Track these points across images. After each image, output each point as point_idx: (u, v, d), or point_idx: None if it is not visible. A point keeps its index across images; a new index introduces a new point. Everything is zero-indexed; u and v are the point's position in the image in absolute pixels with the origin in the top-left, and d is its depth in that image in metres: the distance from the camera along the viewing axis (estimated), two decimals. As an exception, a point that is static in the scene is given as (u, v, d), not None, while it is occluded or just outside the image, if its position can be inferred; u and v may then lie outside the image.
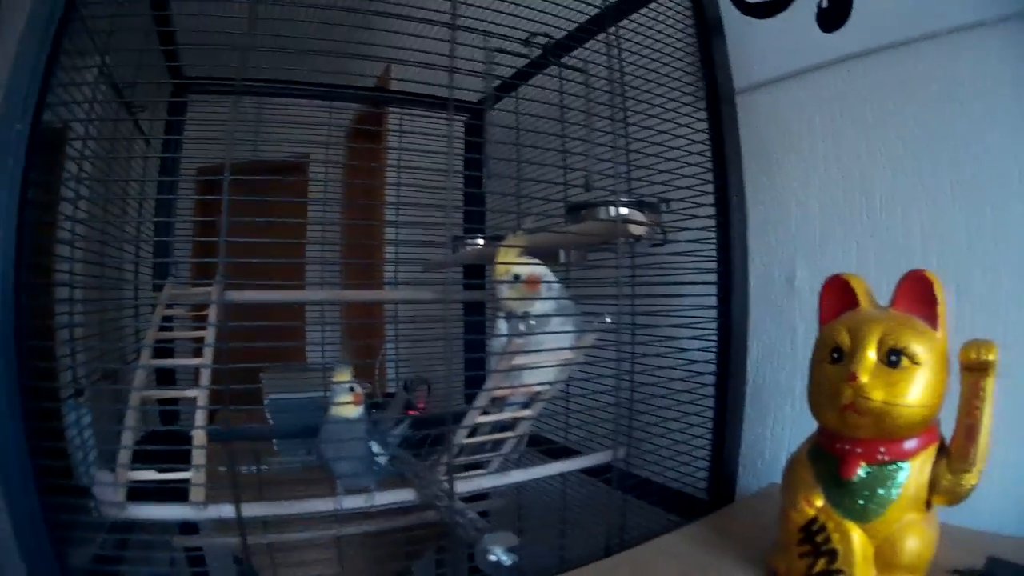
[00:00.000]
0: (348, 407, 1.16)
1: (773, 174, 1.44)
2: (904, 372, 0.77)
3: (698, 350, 1.36)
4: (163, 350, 1.53)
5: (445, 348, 1.01)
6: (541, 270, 1.21)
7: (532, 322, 1.11)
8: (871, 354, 0.79)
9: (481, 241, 1.85)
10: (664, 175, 1.35)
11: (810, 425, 1.06)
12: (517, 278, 1.18)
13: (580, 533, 1.35)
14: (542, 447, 1.53)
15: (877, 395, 0.77)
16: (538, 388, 1.20)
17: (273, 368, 2.19)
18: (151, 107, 1.80)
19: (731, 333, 1.30)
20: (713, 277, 1.34)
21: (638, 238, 1.23)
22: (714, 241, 1.34)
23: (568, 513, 1.51)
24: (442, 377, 0.99)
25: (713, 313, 1.34)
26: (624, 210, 1.21)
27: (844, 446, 0.83)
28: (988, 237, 1.11)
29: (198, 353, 1.17)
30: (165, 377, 1.74)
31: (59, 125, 1.10)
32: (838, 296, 0.89)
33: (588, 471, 1.33)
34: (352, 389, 1.16)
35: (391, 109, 2.46)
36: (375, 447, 1.17)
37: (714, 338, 1.34)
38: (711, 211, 1.35)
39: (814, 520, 0.84)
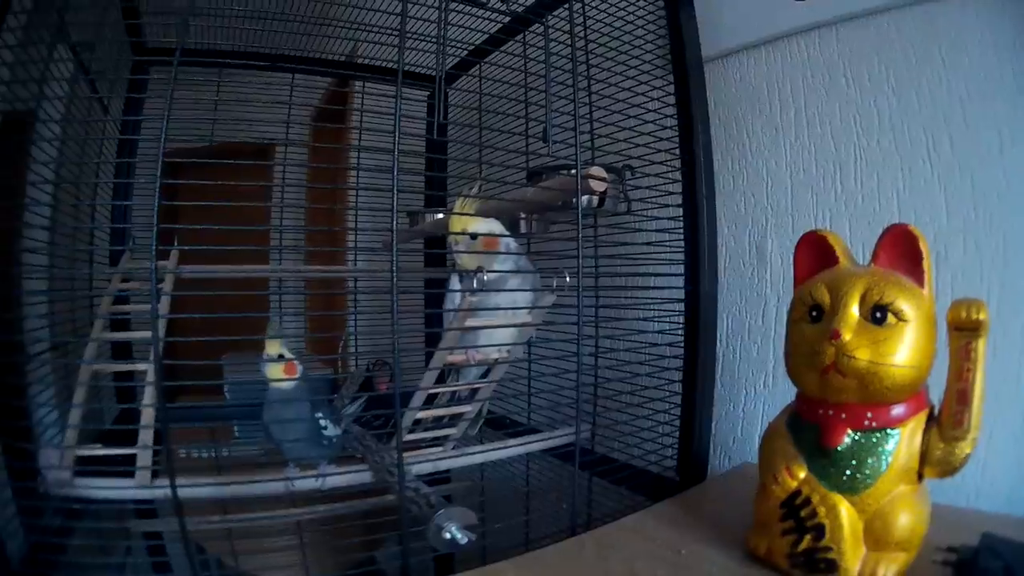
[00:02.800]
0: (280, 377, 1.09)
1: (743, 142, 1.39)
2: (890, 330, 0.72)
3: (665, 322, 1.30)
4: (120, 325, 1.47)
5: (392, 320, 0.93)
6: (498, 227, 1.15)
7: (486, 278, 1.05)
8: (854, 310, 0.74)
9: (441, 214, 1.77)
10: (629, 142, 1.30)
11: (785, 401, 1.01)
12: (474, 237, 1.12)
13: (545, 515, 1.29)
14: (506, 430, 1.48)
15: (862, 354, 0.71)
16: (496, 355, 1.13)
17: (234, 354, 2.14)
18: (112, 80, 1.72)
19: (700, 305, 1.24)
20: (680, 246, 1.27)
21: (601, 201, 1.17)
22: (681, 209, 1.28)
23: (532, 495, 1.45)
24: (391, 342, 0.91)
25: (680, 282, 1.27)
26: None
27: (827, 412, 0.77)
28: (968, 206, 1.08)
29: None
30: (122, 355, 1.66)
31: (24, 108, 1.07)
32: (814, 254, 0.83)
33: (553, 451, 1.26)
34: (281, 358, 1.08)
35: (355, 91, 2.41)
36: (322, 420, 1.10)
37: (681, 310, 1.28)
38: (678, 177, 1.29)
39: (797, 493, 0.78)
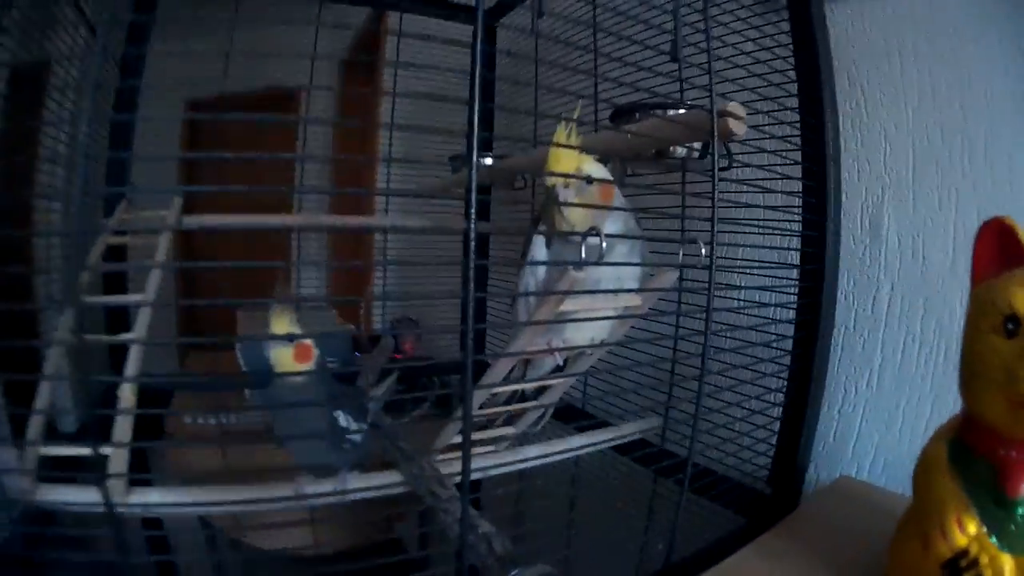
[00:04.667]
0: (289, 366, 0.84)
1: (857, 99, 1.19)
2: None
3: (771, 305, 1.10)
4: (115, 287, 1.30)
5: (465, 306, 0.66)
6: (607, 172, 0.86)
7: (604, 243, 0.74)
8: (1062, 328, 0.56)
9: (489, 160, 1.55)
10: (735, 83, 1.06)
11: (889, 408, 0.93)
12: (589, 181, 0.81)
13: (608, 528, 1.12)
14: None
15: (1074, 384, 0.55)
16: (586, 346, 0.88)
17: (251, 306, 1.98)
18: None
19: (823, 289, 1.06)
20: (794, 214, 1.09)
21: (704, 151, 0.95)
22: (789, 170, 1.09)
23: (584, 501, 1.25)
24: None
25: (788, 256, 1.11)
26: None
27: (1010, 453, 0.60)
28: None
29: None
30: (117, 323, 1.46)
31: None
32: (998, 246, 0.64)
33: (625, 449, 1.07)
34: (292, 341, 0.84)
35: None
36: (343, 419, 0.87)
37: (791, 291, 1.10)
38: (791, 132, 1.09)
39: (964, 553, 0.61)
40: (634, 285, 0.85)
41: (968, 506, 0.62)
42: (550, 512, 1.27)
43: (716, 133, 0.79)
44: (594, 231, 0.73)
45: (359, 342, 1.96)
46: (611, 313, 0.86)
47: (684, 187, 1.12)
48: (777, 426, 1.11)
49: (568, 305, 0.77)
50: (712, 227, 0.80)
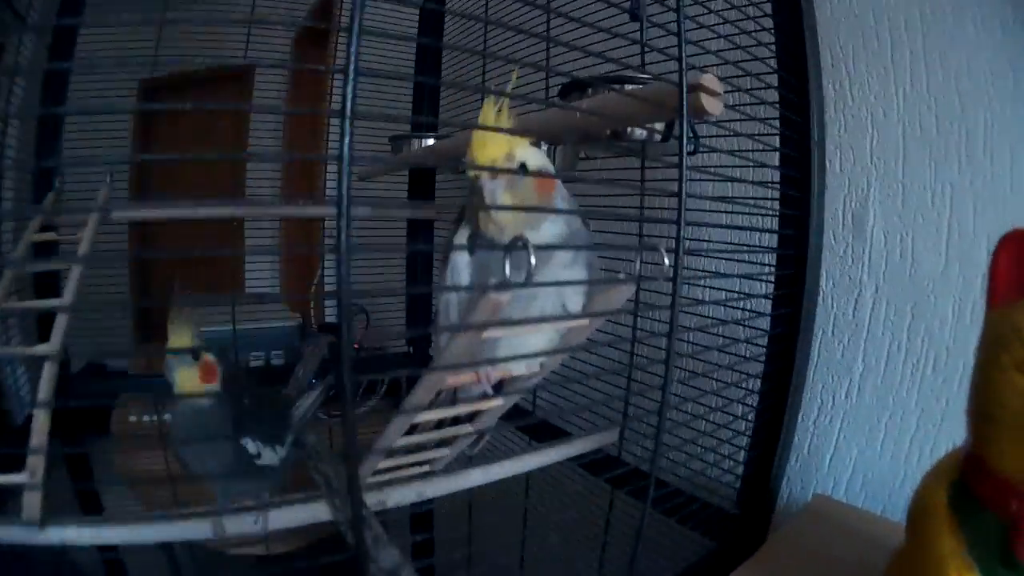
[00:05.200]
0: (192, 386, 0.74)
1: (841, 79, 1.10)
2: None
3: (739, 307, 1.03)
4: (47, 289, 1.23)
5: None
6: (546, 159, 0.67)
7: (533, 258, 0.54)
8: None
9: (431, 139, 1.48)
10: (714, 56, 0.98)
11: (870, 420, 0.89)
12: (524, 169, 0.63)
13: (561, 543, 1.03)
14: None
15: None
16: (523, 371, 0.72)
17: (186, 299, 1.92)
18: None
19: (804, 290, 0.97)
20: (769, 207, 1.00)
21: (668, 133, 0.84)
22: (765, 157, 1.00)
23: (536, 520, 1.15)
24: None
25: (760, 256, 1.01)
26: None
27: (1024, 509, 0.51)
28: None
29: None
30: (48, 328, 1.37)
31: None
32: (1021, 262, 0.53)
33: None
34: (196, 358, 0.74)
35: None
36: (252, 446, 0.76)
37: (766, 292, 1.01)
38: (772, 113, 0.99)
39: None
40: (579, 300, 0.70)
41: (971, 567, 0.52)
42: (496, 534, 1.16)
43: (686, 111, 0.65)
44: (519, 241, 0.55)
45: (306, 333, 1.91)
46: (552, 334, 0.71)
47: (644, 176, 1.02)
48: (746, 440, 1.03)
49: (494, 332, 0.61)
50: (678, 229, 0.66)
